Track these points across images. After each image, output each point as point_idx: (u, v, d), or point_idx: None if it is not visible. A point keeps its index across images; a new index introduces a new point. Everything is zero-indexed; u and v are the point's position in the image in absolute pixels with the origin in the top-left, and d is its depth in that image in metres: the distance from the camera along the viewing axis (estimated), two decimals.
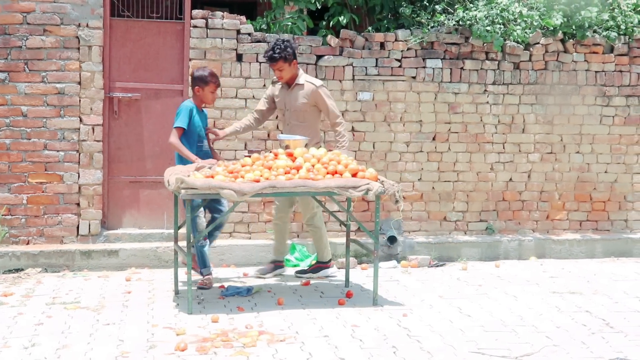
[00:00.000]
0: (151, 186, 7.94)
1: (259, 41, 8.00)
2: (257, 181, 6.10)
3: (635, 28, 8.57)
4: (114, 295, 6.61)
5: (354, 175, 6.34)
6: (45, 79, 7.63)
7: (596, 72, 8.63)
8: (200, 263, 6.86)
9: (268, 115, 7.33)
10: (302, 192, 6.22)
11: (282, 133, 7.25)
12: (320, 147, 6.99)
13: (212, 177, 6.12)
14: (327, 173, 6.32)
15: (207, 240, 6.89)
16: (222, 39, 7.91)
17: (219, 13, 7.94)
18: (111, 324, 5.77)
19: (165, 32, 7.94)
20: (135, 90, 7.81)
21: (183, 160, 6.75)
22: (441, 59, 8.34)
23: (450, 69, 8.36)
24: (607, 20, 8.49)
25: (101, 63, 7.69)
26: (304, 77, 7.06)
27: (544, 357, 5.21)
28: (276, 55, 6.87)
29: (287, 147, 6.64)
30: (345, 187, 6.17)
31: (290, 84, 7.04)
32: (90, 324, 5.76)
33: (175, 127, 6.78)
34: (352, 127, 8.23)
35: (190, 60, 7.90)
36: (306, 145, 6.75)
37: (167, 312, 6.12)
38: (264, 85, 7.99)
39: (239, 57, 8.00)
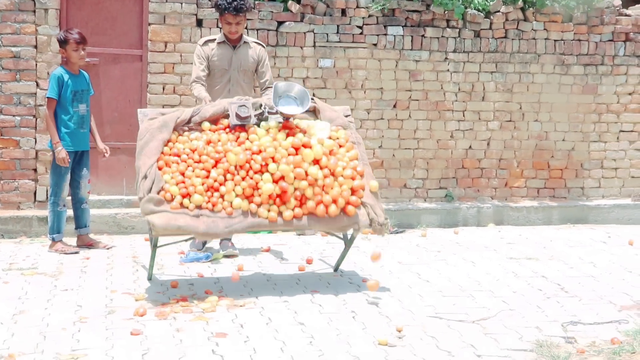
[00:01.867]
0: (110, 152, 7.83)
1: None
2: (231, 214, 5.49)
3: None
4: (72, 262, 6.56)
5: (354, 192, 5.75)
6: (0, 42, 7.49)
7: (555, 40, 8.69)
8: (55, 228, 6.88)
9: None
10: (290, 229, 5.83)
11: (212, 96, 6.62)
12: None
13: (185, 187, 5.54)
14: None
15: (66, 207, 6.95)
16: (181, 3, 7.82)
17: None
18: (69, 289, 5.73)
19: None
20: (93, 55, 7.70)
21: None
22: (402, 27, 8.34)
23: (412, 36, 8.36)
24: None
25: (58, 27, 7.56)
26: (247, 38, 6.89)
27: (500, 321, 5.28)
28: (243, 4, 6.55)
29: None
30: (333, 228, 5.81)
31: (235, 43, 6.73)
32: (47, 289, 5.72)
33: (46, 98, 6.87)
34: (313, 94, 8.20)
35: (149, 25, 7.80)
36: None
37: (126, 278, 6.10)
38: None
39: (199, 23, 7.92)
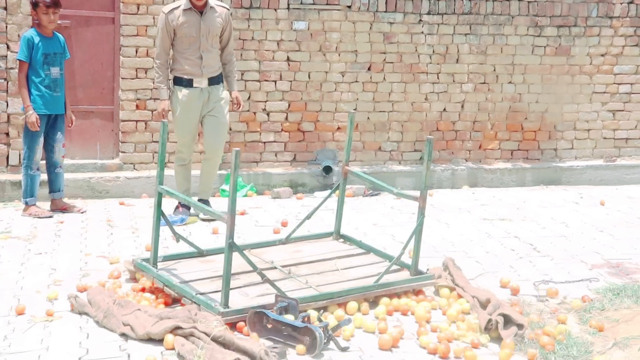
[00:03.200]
0: (83, 116, 7.79)
1: None
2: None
3: None
4: (46, 226, 6.54)
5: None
6: None
7: (529, 2, 8.68)
8: (29, 192, 6.87)
9: None
10: None
11: (183, 65, 6.63)
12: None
13: None
14: None
15: (39, 171, 6.92)
16: None
17: None
18: (43, 253, 5.72)
19: None
20: (65, 18, 7.58)
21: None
22: None
23: None
24: None
25: None
26: (211, 1, 6.70)
27: (473, 280, 5.35)
28: None
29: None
30: None
31: (201, 9, 6.59)
32: (21, 253, 5.71)
33: (17, 60, 6.84)
34: (288, 57, 8.17)
35: None
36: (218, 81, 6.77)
37: (101, 241, 6.10)
38: None
39: None
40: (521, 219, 7.19)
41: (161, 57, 6.66)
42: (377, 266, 5.24)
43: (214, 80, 6.73)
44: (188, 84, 6.65)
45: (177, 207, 6.86)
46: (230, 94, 6.90)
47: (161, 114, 6.73)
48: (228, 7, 6.82)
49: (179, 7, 6.60)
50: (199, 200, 6.81)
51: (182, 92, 6.65)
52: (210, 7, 6.64)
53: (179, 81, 6.67)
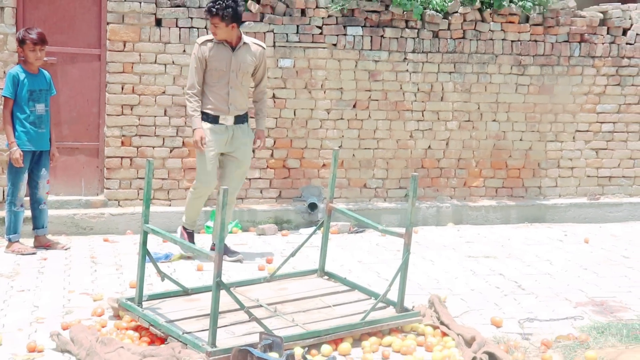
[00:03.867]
0: (68, 152, 7.78)
1: (178, 6, 7.89)
2: None
3: None
4: (29, 263, 6.49)
5: None
6: None
7: (512, 41, 8.79)
8: (12, 228, 6.84)
9: None
10: None
11: (210, 99, 6.57)
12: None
13: None
14: None
15: (23, 207, 6.90)
16: (140, 2, 7.77)
17: None
18: (26, 290, 5.68)
19: None
20: (51, 54, 7.60)
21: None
22: (362, 27, 8.37)
23: (371, 36, 8.40)
24: None
25: (14, 25, 7.48)
26: (248, 39, 6.69)
27: (458, 318, 5.34)
28: (213, 9, 6.40)
29: None
30: None
31: (234, 45, 6.54)
32: (3, 290, 5.66)
33: (2, 96, 6.86)
34: (273, 94, 8.21)
35: (108, 24, 7.74)
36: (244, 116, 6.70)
37: (84, 278, 6.06)
38: (184, 50, 7.89)
39: (158, 22, 7.88)
40: (506, 257, 7.20)
41: (194, 87, 6.56)
42: (363, 303, 5.23)
43: (239, 119, 6.65)
44: (213, 120, 6.56)
45: (181, 234, 6.83)
46: (256, 132, 6.81)
47: (199, 142, 6.52)
48: (263, 46, 6.75)
49: (212, 39, 6.56)
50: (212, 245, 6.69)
51: (208, 127, 6.54)
52: (245, 43, 6.59)
53: (204, 116, 6.57)
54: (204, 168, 6.59)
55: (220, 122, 6.56)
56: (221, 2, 6.38)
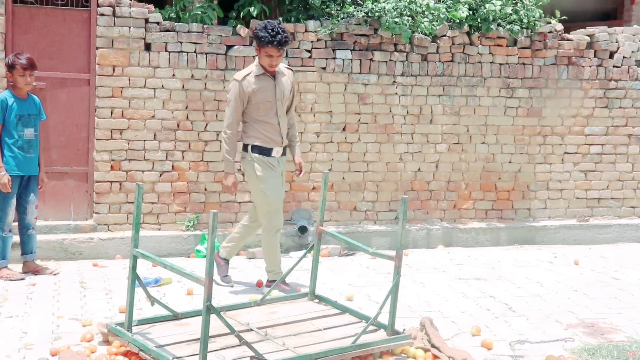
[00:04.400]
0: (57, 177, 7.77)
1: (167, 30, 7.91)
2: None
3: (537, 22, 8.82)
4: (18, 288, 6.45)
5: None
6: None
7: (500, 64, 8.84)
8: (0, 254, 6.82)
9: None
10: None
11: (261, 132, 6.30)
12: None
13: None
14: None
15: (12, 232, 6.86)
16: (130, 27, 7.79)
17: (126, 1, 7.80)
18: (14, 316, 5.64)
19: (70, 19, 7.77)
20: (40, 79, 7.60)
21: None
22: (351, 50, 8.41)
23: (360, 60, 8.44)
24: (511, 14, 8.71)
25: (3, 50, 7.48)
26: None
27: (449, 341, 5.33)
28: (287, 38, 6.16)
29: None
30: None
31: (273, 73, 6.31)
32: None
33: None
34: None
35: (97, 49, 7.75)
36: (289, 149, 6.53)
37: (73, 303, 6.02)
38: (173, 75, 7.91)
39: (148, 46, 7.89)
40: (496, 279, 7.20)
41: (233, 127, 6.29)
42: (354, 327, 5.22)
43: (284, 150, 6.48)
44: (268, 153, 6.31)
45: (219, 263, 6.65)
46: (294, 159, 6.60)
47: (231, 188, 6.38)
48: (292, 69, 6.63)
49: (250, 73, 6.29)
50: (268, 281, 6.54)
51: (264, 159, 6.28)
52: (280, 71, 6.40)
53: (256, 149, 6.30)
54: (274, 198, 6.30)
55: (273, 154, 6.33)
56: (283, 30, 6.16)
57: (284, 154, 6.44)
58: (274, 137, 6.31)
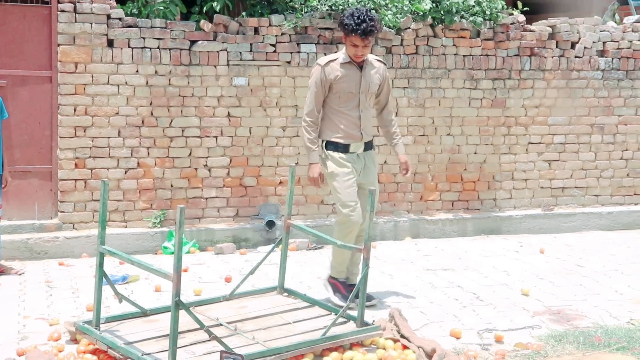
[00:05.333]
0: (20, 176, 7.67)
1: (130, 26, 7.85)
2: None
3: (499, 13, 8.88)
4: None
5: None
6: None
7: (464, 56, 8.89)
8: None
9: None
10: None
11: (339, 126, 5.80)
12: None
13: None
14: None
15: None
16: (91, 23, 7.71)
17: None
18: None
19: (31, 16, 7.68)
20: (1, 78, 7.52)
21: None
22: (315, 44, 8.41)
23: (325, 53, 8.41)
24: (473, 6, 8.76)
25: None
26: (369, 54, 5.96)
27: (417, 331, 5.36)
28: (373, 27, 5.63)
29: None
30: None
31: (361, 63, 5.81)
32: None
33: None
34: (228, 112, 8.20)
35: (58, 45, 7.67)
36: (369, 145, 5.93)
37: (40, 303, 5.96)
38: (137, 71, 7.85)
39: (110, 43, 7.82)
40: (463, 269, 7.25)
41: (312, 114, 5.81)
42: (323, 319, 5.22)
43: (368, 146, 5.92)
44: (344, 149, 5.80)
45: (337, 289, 5.95)
46: (399, 158, 6.12)
47: (317, 180, 5.86)
48: (384, 62, 6.08)
49: (336, 59, 5.84)
50: (350, 285, 5.97)
51: (339, 155, 5.78)
52: (369, 61, 5.87)
53: (332, 146, 5.81)
54: (346, 195, 5.77)
55: (351, 150, 5.81)
56: (370, 18, 5.67)
57: (368, 148, 5.90)
58: (353, 131, 5.80)
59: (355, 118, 5.79)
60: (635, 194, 9.57)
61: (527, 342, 5.15)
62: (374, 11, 5.46)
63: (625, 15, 10.48)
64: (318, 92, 5.79)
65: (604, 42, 9.32)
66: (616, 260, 7.63)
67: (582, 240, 8.69)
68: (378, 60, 5.98)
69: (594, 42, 9.29)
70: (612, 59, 9.32)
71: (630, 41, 9.38)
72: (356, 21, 5.61)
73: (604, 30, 9.35)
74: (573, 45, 9.27)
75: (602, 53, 9.34)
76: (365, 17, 5.62)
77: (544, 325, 5.59)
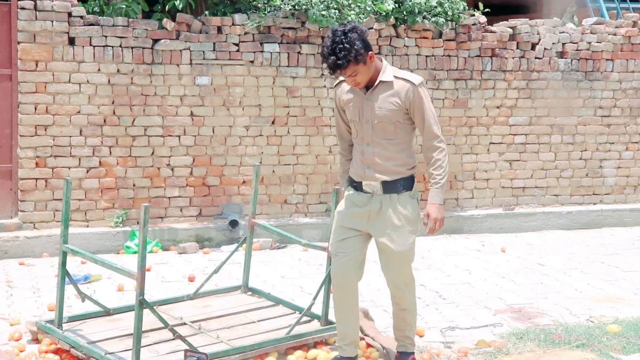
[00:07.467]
0: None
1: (92, 24, 7.78)
2: None
3: (461, 14, 8.96)
4: None
5: None
6: None
7: (427, 56, 8.95)
8: None
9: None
10: None
11: (353, 159, 4.66)
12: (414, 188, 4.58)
13: None
14: None
15: None
16: (52, 21, 7.63)
17: None
18: None
19: None
20: None
21: None
22: (278, 43, 8.41)
23: (288, 53, 8.44)
24: (436, 7, 8.82)
25: None
26: (390, 71, 4.51)
27: (382, 331, 5.38)
28: (341, 61, 4.31)
29: None
30: None
31: (369, 84, 4.50)
32: None
33: None
34: (191, 111, 8.17)
35: (18, 43, 7.58)
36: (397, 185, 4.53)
37: (0, 303, 5.88)
38: (99, 69, 7.79)
39: (72, 41, 7.75)
40: (426, 268, 7.31)
41: (339, 143, 4.81)
42: (287, 318, 5.23)
43: (390, 186, 4.51)
44: (358, 186, 4.59)
45: None
46: (427, 208, 4.57)
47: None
48: (415, 81, 4.47)
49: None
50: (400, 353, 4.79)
51: (348, 193, 4.64)
52: (384, 81, 4.48)
53: (350, 181, 4.68)
54: (333, 241, 4.68)
55: (364, 188, 4.56)
56: (341, 44, 4.31)
57: (391, 191, 4.51)
58: (357, 168, 4.59)
59: (360, 152, 4.57)
60: (594, 194, 9.72)
61: (491, 341, 5.20)
62: (353, 34, 4.35)
63: (583, 17, 10.63)
64: (337, 118, 4.73)
65: (563, 44, 9.45)
66: (576, 259, 7.75)
67: (543, 239, 8.80)
68: (402, 79, 4.48)
69: (553, 43, 9.41)
70: (572, 60, 9.45)
71: (589, 43, 9.52)
72: (324, 53, 4.38)
73: (563, 32, 9.48)
74: (533, 47, 9.38)
75: (561, 54, 9.46)
76: (334, 49, 4.31)
77: (506, 323, 5.66)
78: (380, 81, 4.47)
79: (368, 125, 4.50)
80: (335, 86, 4.71)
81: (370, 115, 4.49)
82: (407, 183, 4.53)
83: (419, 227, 4.60)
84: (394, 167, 4.51)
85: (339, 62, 4.31)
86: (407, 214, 4.52)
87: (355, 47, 4.30)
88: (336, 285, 4.62)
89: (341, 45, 4.30)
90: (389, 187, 4.51)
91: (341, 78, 4.58)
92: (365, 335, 5.07)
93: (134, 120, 7.96)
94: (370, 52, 4.39)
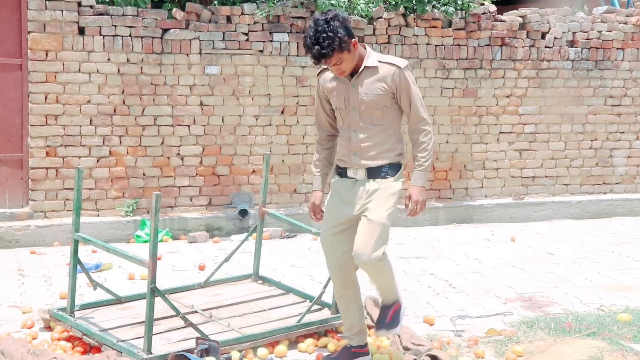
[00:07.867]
0: None
1: (101, 14, 7.79)
2: None
3: (471, 3, 8.93)
4: None
5: None
6: None
7: (436, 45, 8.93)
8: None
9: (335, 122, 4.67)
10: None
11: (340, 146, 4.60)
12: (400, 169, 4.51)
13: None
14: None
15: None
16: (62, 11, 7.64)
17: None
18: None
19: (0, 3, 7.59)
20: None
21: None
22: (288, 33, 8.40)
23: (297, 42, 8.43)
24: None
25: None
26: (374, 57, 4.45)
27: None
28: (326, 50, 4.23)
29: None
30: None
31: (354, 71, 4.43)
32: None
33: None
34: (201, 101, 8.18)
35: (29, 33, 7.59)
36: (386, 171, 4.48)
37: (12, 291, 5.93)
38: (109, 59, 7.80)
39: (81, 30, 7.76)
40: (436, 257, 7.31)
41: (317, 132, 4.74)
42: (298, 306, 5.25)
43: (374, 173, 4.46)
44: (343, 173, 4.54)
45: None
46: (408, 190, 4.56)
47: (311, 209, 4.71)
48: (400, 64, 4.43)
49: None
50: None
51: (334, 180, 4.61)
52: (369, 66, 4.43)
53: (336, 170, 4.62)
54: (322, 236, 4.65)
55: (349, 174, 4.51)
56: (323, 32, 4.21)
57: (376, 176, 4.46)
58: (344, 155, 4.53)
59: (346, 140, 4.51)
60: (604, 183, 9.69)
61: (502, 329, 5.21)
62: (335, 22, 4.25)
63: (593, 6, 10.59)
64: (317, 107, 4.68)
65: (573, 33, 9.41)
66: (586, 248, 7.74)
67: (553, 228, 8.79)
68: (388, 63, 4.45)
69: (563, 32, 9.37)
70: (582, 49, 9.42)
71: (600, 32, 9.48)
72: (307, 44, 4.30)
73: (573, 21, 9.44)
74: (543, 36, 9.34)
75: (571, 43, 9.43)
76: (317, 38, 4.23)
77: (516, 311, 5.66)
78: (365, 67, 4.42)
79: (355, 112, 4.46)
80: (318, 74, 4.61)
81: (356, 101, 4.44)
82: (392, 170, 4.48)
83: (397, 201, 4.50)
84: (381, 154, 4.46)
85: (323, 51, 4.24)
86: (387, 184, 4.45)
87: (339, 35, 4.23)
88: (333, 281, 4.62)
89: (325, 34, 4.22)
90: (373, 172, 4.46)
91: (324, 66, 4.50)
92: (374, 323, 5.07)
93: (143, 109, 7.97)
94: (353, 40, 4.33)
